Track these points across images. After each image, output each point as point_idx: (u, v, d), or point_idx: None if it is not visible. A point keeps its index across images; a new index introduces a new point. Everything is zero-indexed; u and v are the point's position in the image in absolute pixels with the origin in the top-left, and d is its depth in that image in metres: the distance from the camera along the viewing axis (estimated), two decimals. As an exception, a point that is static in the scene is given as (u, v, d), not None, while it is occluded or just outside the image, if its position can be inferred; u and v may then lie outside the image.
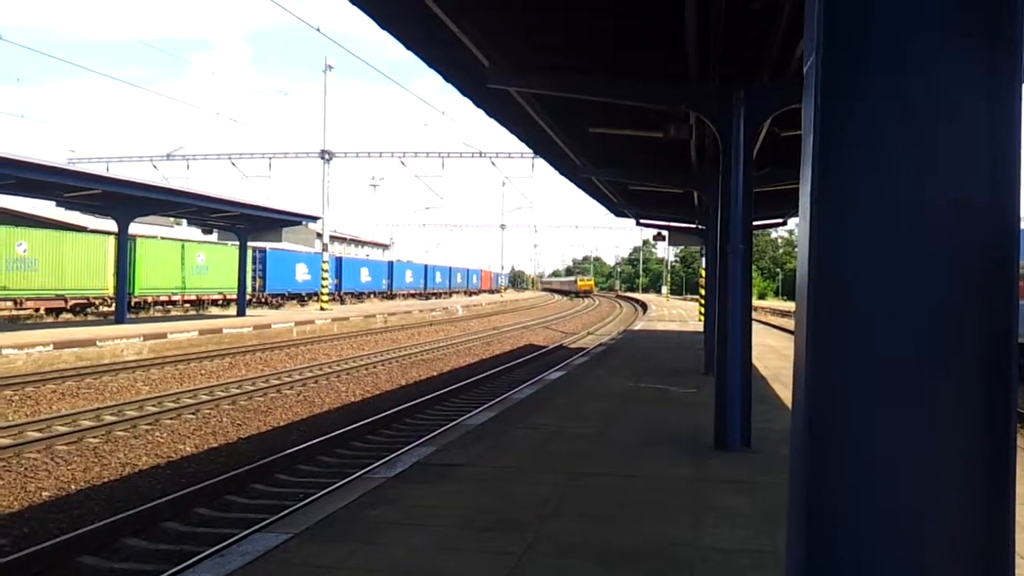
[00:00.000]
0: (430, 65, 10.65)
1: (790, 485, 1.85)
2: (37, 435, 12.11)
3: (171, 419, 13.88)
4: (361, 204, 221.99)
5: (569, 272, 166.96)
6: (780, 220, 25.81)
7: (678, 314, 50.15)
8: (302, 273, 50.71)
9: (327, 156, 43.51)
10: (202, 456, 11.81)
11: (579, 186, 23.45)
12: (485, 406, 13.61)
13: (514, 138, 16.54)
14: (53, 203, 29.97)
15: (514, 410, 11.85)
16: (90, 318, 33.60)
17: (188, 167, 48.42)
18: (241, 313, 35.62)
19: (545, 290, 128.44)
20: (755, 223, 10.97)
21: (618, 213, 30.18)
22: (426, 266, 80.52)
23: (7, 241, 29.76)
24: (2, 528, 8.35)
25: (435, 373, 22.13)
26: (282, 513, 7.90)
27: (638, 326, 38.41)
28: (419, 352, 26.48)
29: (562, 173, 20.68)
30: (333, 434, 12.48)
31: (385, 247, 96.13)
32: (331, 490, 8.55)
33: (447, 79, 11.28)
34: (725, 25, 8.12)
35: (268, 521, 7.62)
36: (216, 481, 9.65)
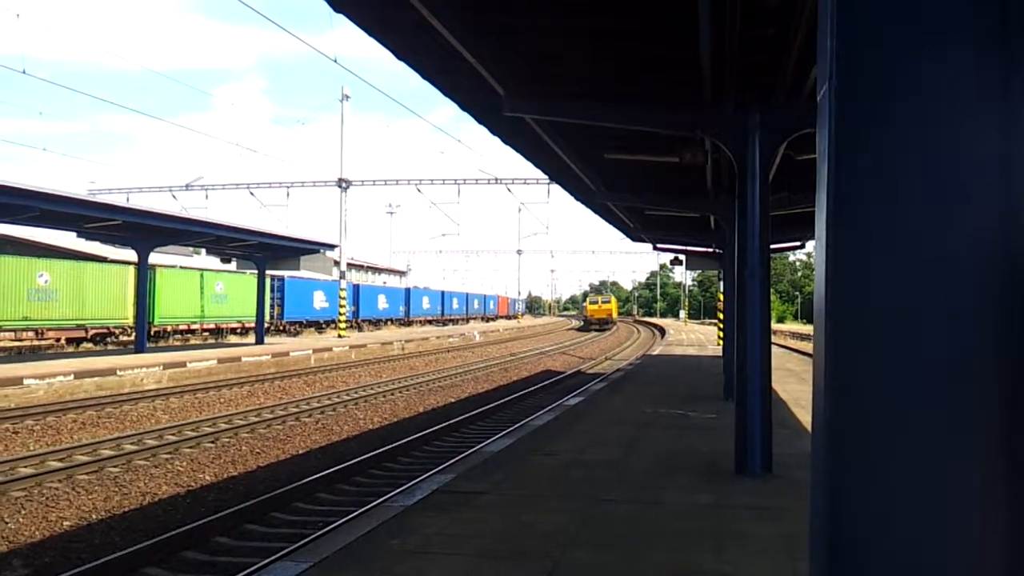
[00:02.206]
0: (446, 94, 10.74)
1: (811, 507, 1.85)
2: (58, 465, 12.18)
3: (191, 448, 13.93)
4: (378, 232, 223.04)
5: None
6: (798, 243, 25.70)
7: (696, 338, 49.93)
8: (320, 301, 50.95)
9: (344, 185, 43.84)
10: (222, 485, 11.83)
11: (595, 211, 23.48)
12: (504, 433, 13.57)
13: (530, 164, 16.61)
14: (74, 234, 30.32)
15: (533, 437, 11.81)
16: (110, 347, 33.84)
17: (207, 197, 49.03)
18: (260, 341, 35.78)
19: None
20: (772, 246, 10.95)
21: (635, 238, 30.19)
22: (443, 292, 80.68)
23: (29, 272, 30.09)
24: (25, 558, 8.38)
25: (453, 400, 22.11)
26: (302, 542, 7.90)
27: (656, 351, 38.26)
28: (437, 379, 26.48)
29: (578, 199, 20.73)
30: (352, 462, 12.48)
31: (402, 274, 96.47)
32: (350, 518, 8.54)
33: (463, 108, 11.37)
34: (739, 51, 8.15)
35: (288, 550, 7.60)
36: (236, 510, 9.66)
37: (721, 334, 27.68)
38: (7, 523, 9.50)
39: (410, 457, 13.67)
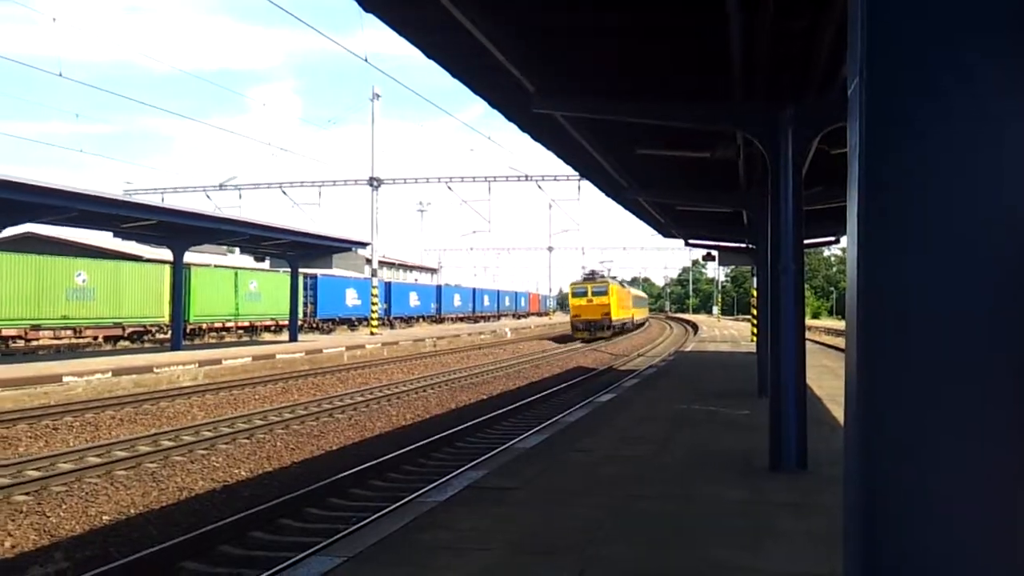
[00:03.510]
0: (475, 92, 10.76)
1: (844, 504, 1.84)
2: (97, 460, 12.38)
3: (226, 444, 14.09)
4: (409, 229, 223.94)
5: None
6: (833, 238, 25.46)
7: (730, 335, 49.60)
8: (352, 298, 51.28)
9: (375, 183, 44.07)
10: (257, 480, 11.96)
11: (626, 207, 23.42)
12: (535, 429, 13.58)
13: (560, 161, 16.60)
14: (111, 234, 30.78)
15: (565, 433, 11.81)
16: (147, 345, 34.32)
17: (240, 196, 49.40)
18: (293, 338, 36.09)
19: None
20: (806, 241, 10.83)
21: (666, 234, 30.05)
22: (474, 290, 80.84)
23: (67, 271, 30.61)
24: (65, 551, 8.54)
25: (485, 396, 22.15)
26: (336, 536, 7.96)
27: (689, 347, 38.06)
28: (469, 376, 26.54)
29: (608, 195, 20.68)
30: (384, 458, 12.55)
31: (433, 271, 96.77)
32: (384, 514, 8.59)
33: (492, 105, 11.39)
34: (770, 45, 8.09)
35: (322, 544, 7.67)
36: (271, 505, 9.76)
37: (755, 330, 27.47)
38: (48, 517, 9.67)
39: (443, 453, 13.72)
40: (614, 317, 50.13)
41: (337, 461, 13.13)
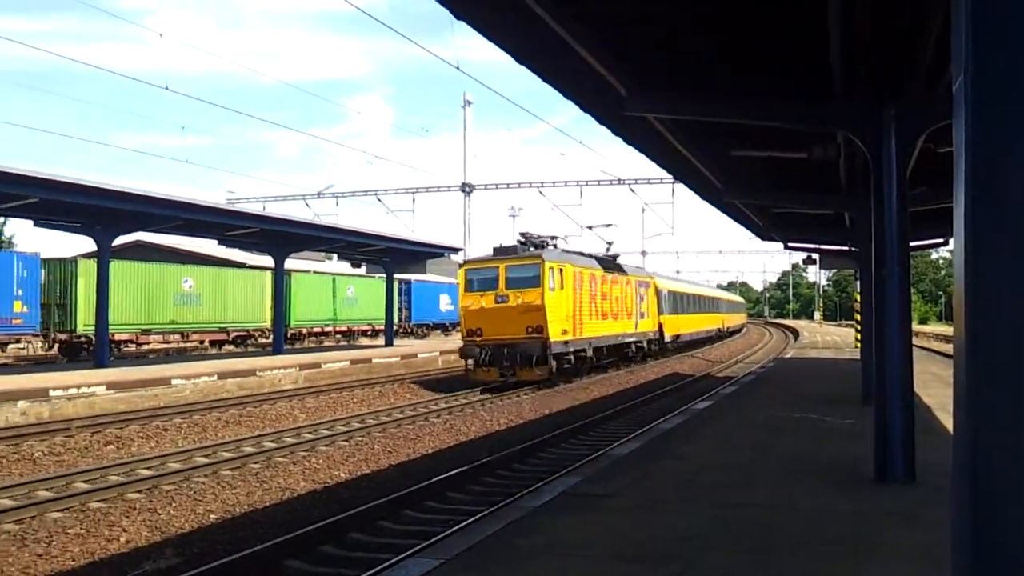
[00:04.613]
0: (567, 96, 10.76)
1: (953, 515, 1.77)
2: (204, 460, 12.85)
3: (326, 446, 14.43)
4: (502, 234, 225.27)
5: None
6: (940, 240, 24.45)
7: (832, 341, 48.21)
8: (445, 304, 51.88)
9: (467, 189, 44.55)
10: (355, 482, 12.21)
11: (722, 210, 23.01)
12: (630, 436, 13.47)
13: (653, 164, 16.45)
14: (215, 241, 31.96)
15: (660, 440, 11.68)
16: (250, 349, 35.44)
17: (337, 204, 50.79)
18: (389, 343, 36.74)
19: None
20: (912, 244, 10.45)
21: (764, 237, 29.40)
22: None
23: (175, 278, 31.91)
24: (176, 547, 8.89)
25: (578, 403, 22.05)
26: (433, 539, 8.05)
27: (789, 354, 37.17)
28: (562, 382, 26.45)
29: (704, 198, 20.36)
30: (479, 462, 12.64)
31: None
32: (479, 518, 8.66)
33: (584, 109, 11.35)
34: (871, 42, 7.85)
35: (420, 547, 7.77)
36: (369, 507, 9.95)
37: (859, 336, 26.60)
38: (159, 514, 10.09)
39: (536, 459, 13.73)
40: (555, 335, 23.54)
41: (433, 464, 13.30)
